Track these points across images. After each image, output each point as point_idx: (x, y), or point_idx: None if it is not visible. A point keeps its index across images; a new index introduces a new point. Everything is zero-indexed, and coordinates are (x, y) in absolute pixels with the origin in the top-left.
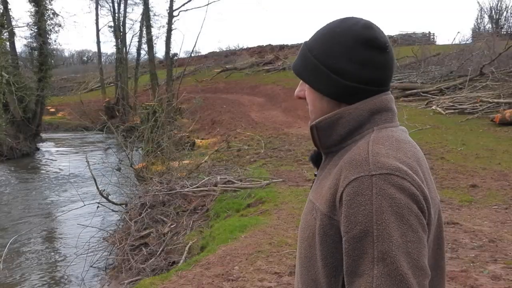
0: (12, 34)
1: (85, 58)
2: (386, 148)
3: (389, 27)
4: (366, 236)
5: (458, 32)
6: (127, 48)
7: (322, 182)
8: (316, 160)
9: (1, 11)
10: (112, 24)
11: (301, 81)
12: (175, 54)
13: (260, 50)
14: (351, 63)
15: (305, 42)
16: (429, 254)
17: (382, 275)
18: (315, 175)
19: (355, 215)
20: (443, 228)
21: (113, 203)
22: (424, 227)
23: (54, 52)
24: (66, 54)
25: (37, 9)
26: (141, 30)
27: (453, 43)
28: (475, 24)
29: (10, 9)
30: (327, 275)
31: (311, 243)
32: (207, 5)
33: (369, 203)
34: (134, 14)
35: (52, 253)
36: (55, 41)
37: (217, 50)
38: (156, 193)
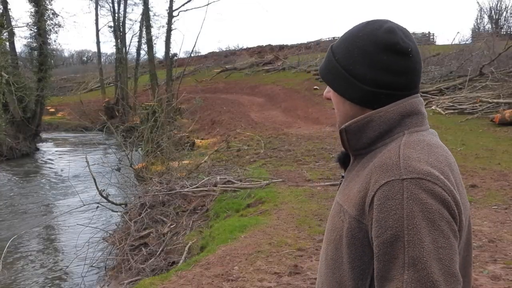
0: (12, 34)
1: (84, 58)
2: (418, 152)
3: None
4: (397, 241)
5: (458, 32)
6: (127, 48)
7: (350, 185)
8: (344, 162)
9: (1, 11)
10: (112, 24)
11: None
12: (175, 54)
13: (259, 50)
14: (370, 69)
15: (331, 45)
16: (460, 260)
17: (412, 280)
18: (342, 176)
19: (385, 219)
20: (471, 234)
21: (113, 203)
22: (455, 233)
23: (54, 52)
24: (66, 54)
25: (37, 9)
26: (141, 30)
27: (453, 43)
28: (475, 24)
29: (10, 9)
30: (354, 278)
31: (338, 245)
32: (207, 5)
33: (400, 207)
34: (134, 14)
35: (52, 253)
36: (55, 41)
37: (217, 50)
38: (156, 193)
